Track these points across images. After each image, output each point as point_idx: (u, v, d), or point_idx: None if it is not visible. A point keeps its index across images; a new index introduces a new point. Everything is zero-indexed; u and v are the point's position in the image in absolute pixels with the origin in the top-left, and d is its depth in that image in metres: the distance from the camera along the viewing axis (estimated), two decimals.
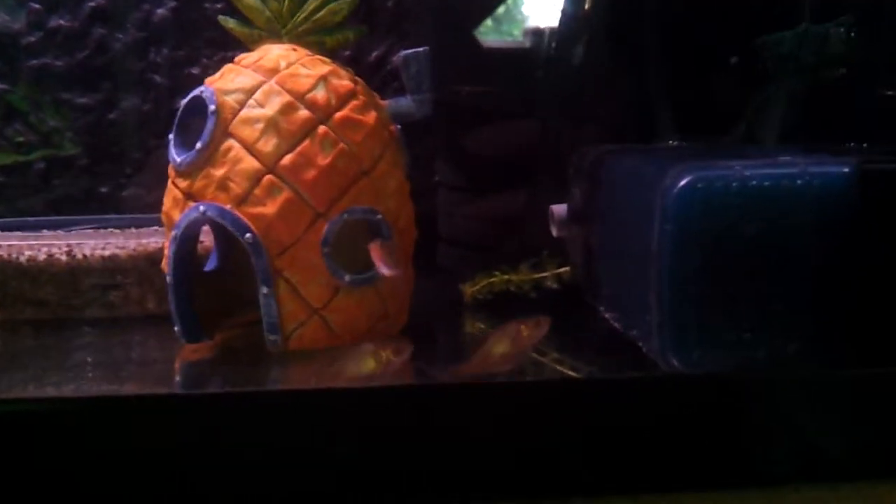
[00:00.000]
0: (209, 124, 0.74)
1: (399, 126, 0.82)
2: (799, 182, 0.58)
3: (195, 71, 1.07)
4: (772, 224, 0.58)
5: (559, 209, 0.90)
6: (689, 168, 0.59)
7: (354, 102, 0.77)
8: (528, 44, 1.11)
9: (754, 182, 0.58)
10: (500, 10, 1.16)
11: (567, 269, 0.89)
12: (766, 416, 0.59)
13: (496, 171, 1.01)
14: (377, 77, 1.10)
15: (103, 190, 1.08)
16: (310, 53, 0.79)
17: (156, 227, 0.98)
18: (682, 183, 0.58)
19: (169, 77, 1.08)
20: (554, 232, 0.93)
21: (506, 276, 0.94)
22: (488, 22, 1.14)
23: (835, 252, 0.58)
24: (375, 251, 0.73)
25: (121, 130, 1.07)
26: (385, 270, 0.73)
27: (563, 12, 1.02)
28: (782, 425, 0.59)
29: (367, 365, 0.66)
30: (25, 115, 1.05)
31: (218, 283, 0.84)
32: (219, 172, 0.74)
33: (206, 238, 0.88)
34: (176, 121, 0.78)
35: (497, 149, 1.00)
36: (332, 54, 0.82)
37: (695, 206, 0.57)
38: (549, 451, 0.60)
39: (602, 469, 0.60)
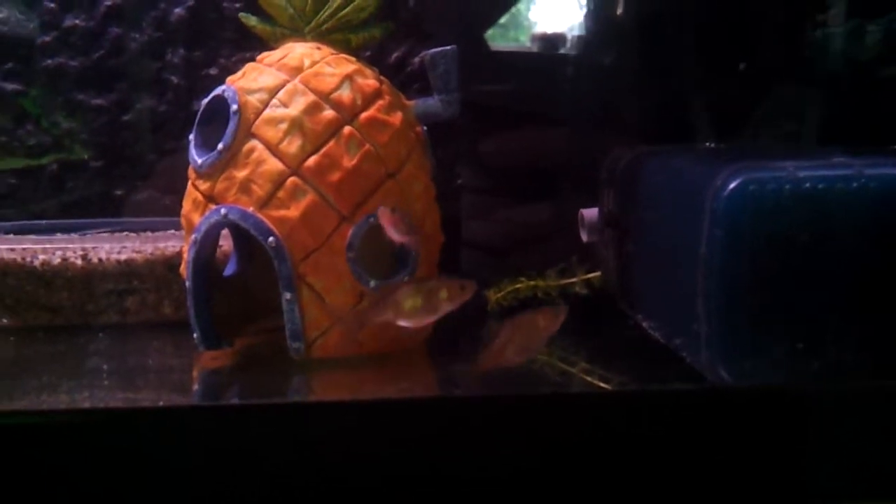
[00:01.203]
0: (231, 124, 0.72)
1: (425, 128, 0.80)
2: (854, 185, 0.55)
3: (213, 72, 1.05)
4: (826, 228, 0.55)
5: (590, 213, 0.87)
6: (741, 169, 0.56)
7: (380, 102, 0.75)
8: (551, 46, 1.09)
9: (808, 185, 0.55)
10: (506, 17, 1.15)
11: (597, 274, 0.86)
12: (821, 432, 0.56)
13: (522, 174, 0.99)
14: (398, 79, 1.07)
15: (118, 193, 1.06)
16: (334, 52, 0.77)
17: (173, 231, 0.96)
18: (734, 185, 0.55)
19: (185, 78, 1.06)
20: (584, 237, 0.90)
21: (532, 283, 0.91)
22: (495, 28, 1.13)
23: (893, 257, 0.55)
24: (385, 216, 0.69)
25: (136, 132, 1.05)
26: (396, 236, 0.69)
27: (593, 12, 0.99)
28: (838, 441, 0.56)
29: (430, 300, 0.63)
30: (38, 117, 1.03)
31: (238, 289, 0.82)
32: (241, 174, 0.71)
33: (225, 242, 0.86)
34: (196, 121, 0.76)
35: (523, 152, 0.98)
36: (356, 53, 0.79)
37: (746, 209, 0.55)
38: (587, 468, 0.57)
39: (646, 487, 0.57)
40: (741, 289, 0.56)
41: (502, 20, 1.17)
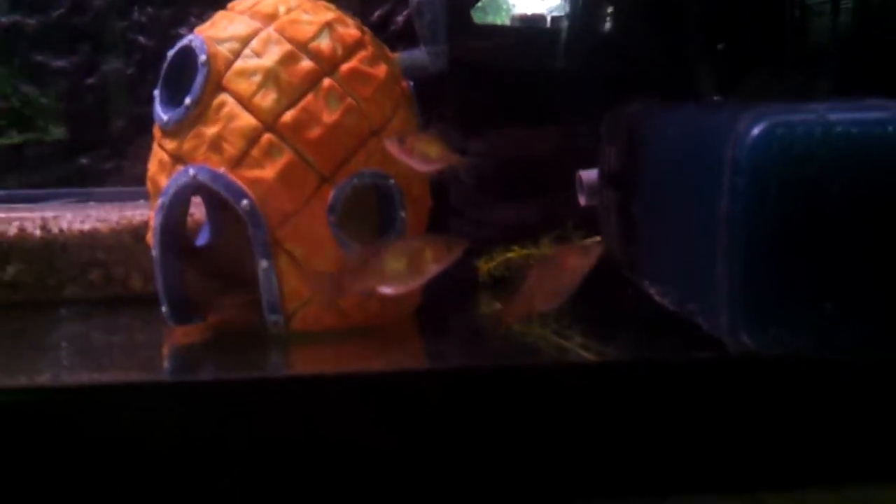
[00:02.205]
0: (199, 77, 0.66)
1: (412, 82, 0.74)
2: (891, 128, 0.49)
3: (183, 31, 0.98)
4: (861, 177, 0.49)
5: (588, 175, 0.82)
6: (766, 113, 0.50)
7: (363, 53, 0.69)
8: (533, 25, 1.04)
9: (840, 128, 0.49)
10: None
11: (596, 240, 0.81)
12: (855, 408, 0.51)
13: (515, 138, 0.93)
14: (380, 39, 1.01)
15: (84, 161, 0.99)
16: None
17: (142, 200, 0.90)
18: (759, 129, 0.49)
19: (154, 38, 0.99)
20: (582, 200, 0.84)
21: (525, 251, 0.85)
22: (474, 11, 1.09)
23: None
24: (396, 149, 0.62)
25: (102, 96, 0.98)
26: (423, 166, 0.62)
27: None
28: (875, 418, 0.51)
29: (415, 262, 0.58)
30: (6, 95, 0.96)
31: (211, 259, 0.77)
32: (211, 131, 0.66)
33: (198, 210, 0.80)
34: (162, 74, 0.70)
35: (518, 112, 0.92)
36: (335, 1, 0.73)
37: (773, 155, 0.49)
38: (604, 443, 0.52)
39: (667, 464, 0.52)
40: (767, 244, 0.50)
41: (480, 3, 1.14)
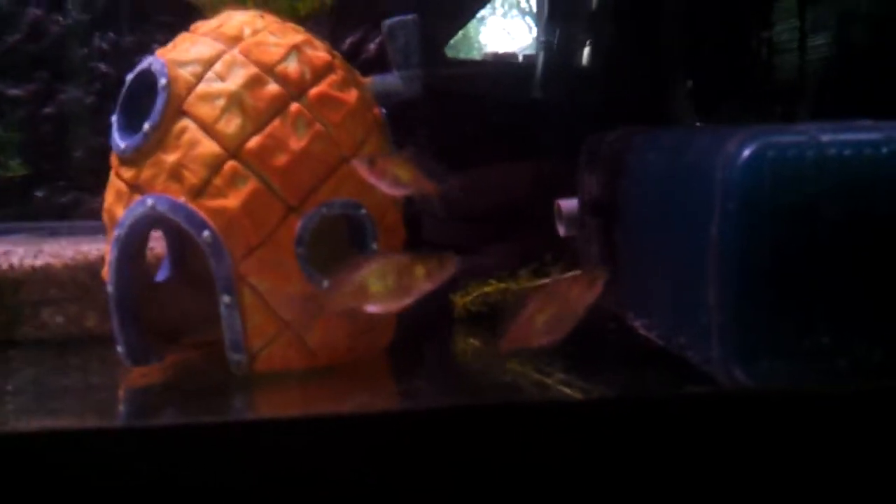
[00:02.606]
0: (159, 102, 0.63)
1: (384, 110, 0.71)
2: (885, 150, 0.47)
3: None
4: (854, 200, 0.47)
5: (567, 204, 0.79)
6: (756, 134, 0.48)
7: (332, 77, 0.66)
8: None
9: (833, 150, 0.47)
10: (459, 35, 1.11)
11: (577, 273, 0.78)
12: (852, 441, 0.48)
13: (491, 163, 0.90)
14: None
15: (39, 194, 0.95)
16: (279, 21, 0.68)
17: (101, 235, 0.85)
18: (749, 151, 0.47)
19: (116, 66, 0.95)
20: (561, 231, 0.81)
21: (503, 285, 0.82)
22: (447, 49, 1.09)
23: None
24: (365, 171, 0.58)
25: (59, 126, 0.94)
26: (393, 189, 0.59)
27: None
28: (872, 452, 0.48)
29: (403, 280, 0.54)
30: None
31: (172, 296, 0.74)
32: (171, 158, 0.62)
33: (158, 245, 0.76)
34: (120, 99, 0.67)
35: (491, 139, 0.89)
36: (304, 24, 0.70)
37: (764, 179, 0.46)
38: (597, 480, 0.49)
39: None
40: (760, 269, 0.47)
41: (452, 41, 1.14)
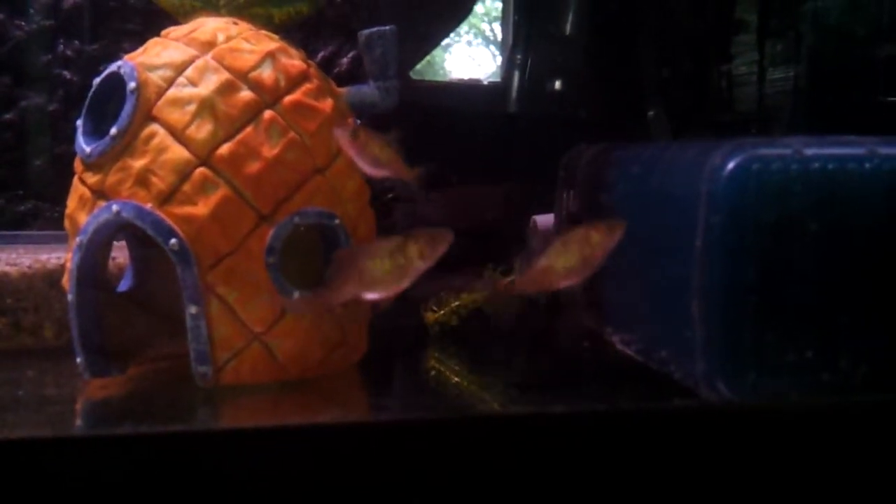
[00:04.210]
0: (127, 106, 0.62)
1: (359, 121, 0.70)
2: (868, 165, 0.47)
3: None
4: (838, 214, 0.47)
5: (544, 219, 0.78)
6: (741, 147, 0.48)
7: (307, 86, 0.65)
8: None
9: (817, 164, 0.47)
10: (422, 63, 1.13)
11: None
12: (839, 456, 0.48)
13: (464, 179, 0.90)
14: None
15: None
16: (253, 28, 0.67)
17: (60, 245, 0.82)
18: (734, 164, 0.47)
19: (81, 73, 0.93)
20: (536, 246, 0.81)
21: (473, 297, 0.81)
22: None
23: None
24: (346, 142, 0.57)
25: (20, 133, 0.91)
26: (369, 168, 0.58)
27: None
28: (859, 466, 0.48)
29: (398, 261, 0.53)
30: None
31: (134, 307, 0.70)
32: (138, 164, 0.61)
33: (120, 254, 0.73)
34: (86, 103, 0.65)
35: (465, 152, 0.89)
36: (280, 31, 0.69)
37: (749, 191, 0.46)
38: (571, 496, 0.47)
39: None
40: (744, 282, 0.47)
41: (418, 66, 1.15)
